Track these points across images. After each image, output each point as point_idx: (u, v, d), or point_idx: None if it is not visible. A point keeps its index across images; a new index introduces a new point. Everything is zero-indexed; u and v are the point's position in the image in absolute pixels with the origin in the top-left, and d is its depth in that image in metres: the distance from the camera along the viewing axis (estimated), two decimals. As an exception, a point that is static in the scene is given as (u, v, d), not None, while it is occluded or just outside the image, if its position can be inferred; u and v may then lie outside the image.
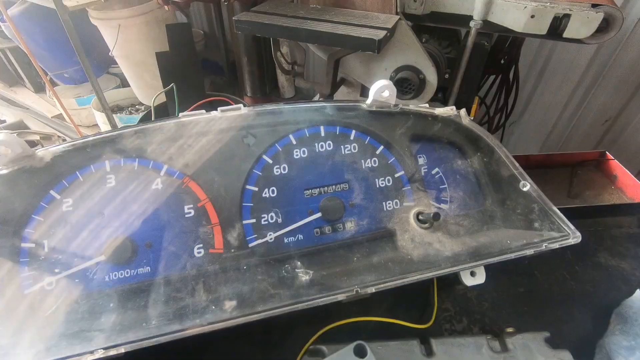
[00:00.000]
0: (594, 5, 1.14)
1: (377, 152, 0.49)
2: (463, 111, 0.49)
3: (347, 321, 0.45)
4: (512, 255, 0.42)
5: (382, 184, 0.47)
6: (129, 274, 0.42)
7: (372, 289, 0.38)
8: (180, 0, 1.38)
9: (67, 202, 0.43)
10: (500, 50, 1.79)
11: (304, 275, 0.40)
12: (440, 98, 1.59)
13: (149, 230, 0.43)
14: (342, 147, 0.48)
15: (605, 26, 1.16)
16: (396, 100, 0.48)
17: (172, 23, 2.18)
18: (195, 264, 0.42)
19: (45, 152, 0.43)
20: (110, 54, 2.22)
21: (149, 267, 0.42)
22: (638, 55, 1.75)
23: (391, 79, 1.41)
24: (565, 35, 1.22)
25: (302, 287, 0.39)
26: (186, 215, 0.44)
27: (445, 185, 0.47)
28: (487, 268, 0.54)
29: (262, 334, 0.50)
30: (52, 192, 0.43)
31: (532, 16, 1.19)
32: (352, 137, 0.49)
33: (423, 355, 0.43)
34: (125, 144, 0.46)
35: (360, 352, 0.39)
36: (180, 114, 0.47)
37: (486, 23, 1.27)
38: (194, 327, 0.36)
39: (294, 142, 0.48)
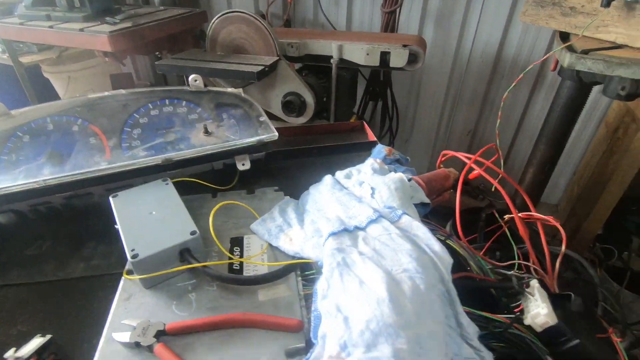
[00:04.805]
0: (404, 45, 1.80)
1: (197, 110, 1.00)
2: (240, 90, 1.02)
3: (180, 179, 0.93)
4: (241, 144, 0.93)
5: (197, 125, 0.98)
6: (63, 170, 0.88)
7: (173, 159, 0.88)
8: (116, 52, 1.91)
9: (26, 137, 0.90)
10: (375, 82, 2.45)
11: (149, 155, 0.89)
12: (325, 116, 2.19)
13: (71, 149, 0.91)
14: (178, 108, 1.00)
15: (414, 59, 1.82)
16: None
17: (115, 73, 2.65)
18: (98, 162, 0.89)
19: (16, 112, 0.91)
20: (60, 101, 2.61)
21: (74, 165, 0.89)
22: (475, 81, 2.37)
23: (281, 102, 2.01)
24: (391, 65, 1.90)
25: (143, 157, 0.88)
26: (91, 142, 0.92)
27: (233, 121, 0.99)
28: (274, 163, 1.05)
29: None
30: (18, 132, 0.91)
31: (368, 54, 1.84)
32: (183, 104, 1.01)
33: (210, 197, 0.92)
34: (59, 108, 0.95)
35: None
36: (90, 95, 0.97)
37: (342, 60, 1.91)
38: (95, 171, 0.84)
39: (151, 107, 0.99)
